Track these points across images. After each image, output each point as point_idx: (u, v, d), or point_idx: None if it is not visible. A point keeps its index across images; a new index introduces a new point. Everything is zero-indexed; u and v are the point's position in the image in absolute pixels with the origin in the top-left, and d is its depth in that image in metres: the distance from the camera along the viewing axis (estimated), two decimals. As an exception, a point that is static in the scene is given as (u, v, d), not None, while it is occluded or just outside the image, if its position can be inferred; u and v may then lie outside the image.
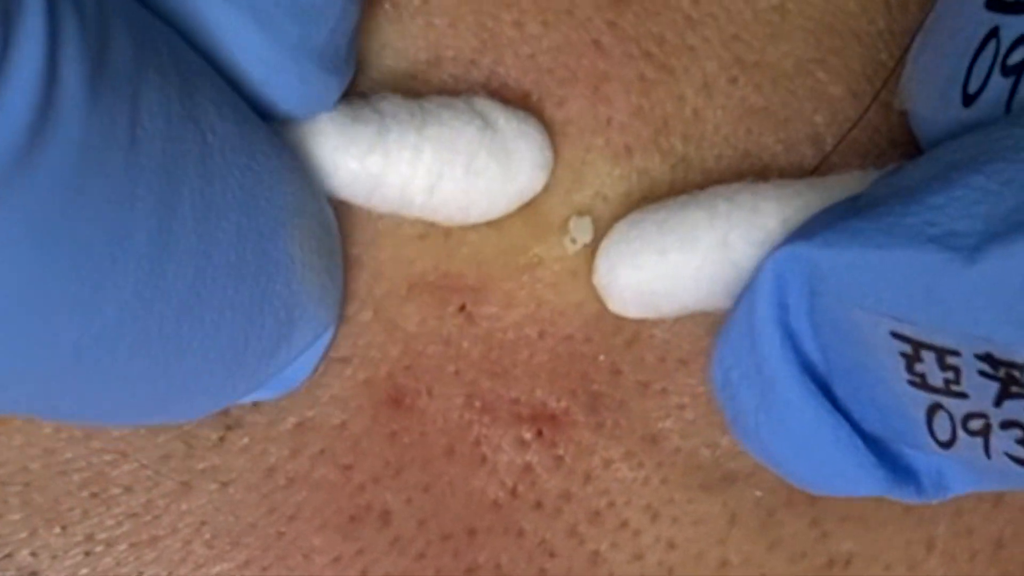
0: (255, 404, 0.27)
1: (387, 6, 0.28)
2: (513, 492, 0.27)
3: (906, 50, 0.27)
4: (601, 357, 0.28)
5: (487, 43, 0.28)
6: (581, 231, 0.28)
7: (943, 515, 0.28)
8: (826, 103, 0.28)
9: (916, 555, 0.28)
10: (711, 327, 0.28)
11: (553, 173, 0.27)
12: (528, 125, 0.26)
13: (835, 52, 0.29)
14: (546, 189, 0.27)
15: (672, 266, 0.26)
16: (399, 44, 0.28)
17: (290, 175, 0.24)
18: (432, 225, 0.27)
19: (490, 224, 0.27)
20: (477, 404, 0.27)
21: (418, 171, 0.25)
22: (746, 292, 0.24)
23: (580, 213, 0.28)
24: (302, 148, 0.25)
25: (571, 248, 0.28)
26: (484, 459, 0.27)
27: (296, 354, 0.25)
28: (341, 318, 0.27)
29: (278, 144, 0.24)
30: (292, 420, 0.27)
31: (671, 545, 0.27)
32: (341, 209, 0.27)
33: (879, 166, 0.27)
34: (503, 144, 0.26)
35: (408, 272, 0.27)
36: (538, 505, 0.27)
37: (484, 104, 0.26)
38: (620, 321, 0.28)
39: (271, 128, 0.24)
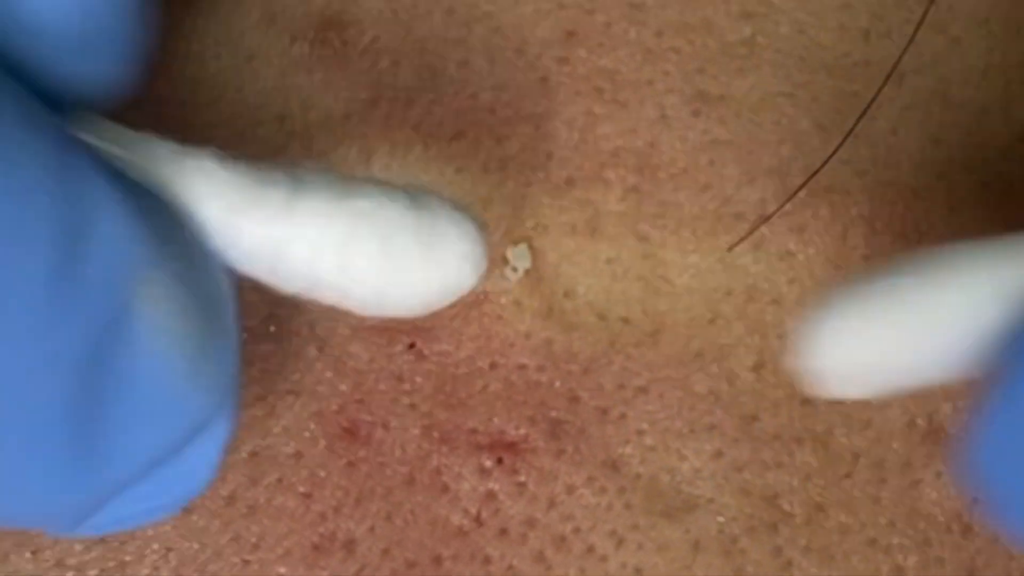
0: None
1: (336, 44, 0.28)
2: (477, 519, 0.27)
3: (888, 77, 0.27)
4: (557, 384, 0.27)
5: (427, 82, 0.28)
6: (519, 258, 0.27)
7: (911, 546, 0.27)
8: (792, 135, 0.28)
9: (885, 584, 0.26)
10: (671, 357, 0.27)
11: (492, 209, 0.27)
12: (462, 215, 0.23)
13: (804, 85, 0.28)
14: (484, 227, 0.26)
15: (903, 337, 0.23)
16: (341, 83, 0.28)
17: (137, 220, 0.20)
18: None
19: None
20: (435, 435, 0.27)
21: (328, 242, 0.22)
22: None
23: (516, 242, 0.27)
24: (194, 210, 0.22)
25: (512, 277, 0.27)
26: (446, 488, 0.27)
27: (167, 442, 0.21)
28: (289, 351, 0.27)
29: (120, 182, 0.20)
30: (246, 449, 0.27)
31: (638, 571, 0.27)
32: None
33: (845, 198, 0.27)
34: (430, 227, 0.23)
35: (348, 314, 0.26)
36: (503, 532, 0.27)
37: (417, 189, 0.24)
38: (574, 349, 0.27)
39: (113, 169, 0.21)
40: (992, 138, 0.28)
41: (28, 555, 0.27)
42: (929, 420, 0.27)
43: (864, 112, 0.27)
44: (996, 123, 0.28)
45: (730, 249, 0.27)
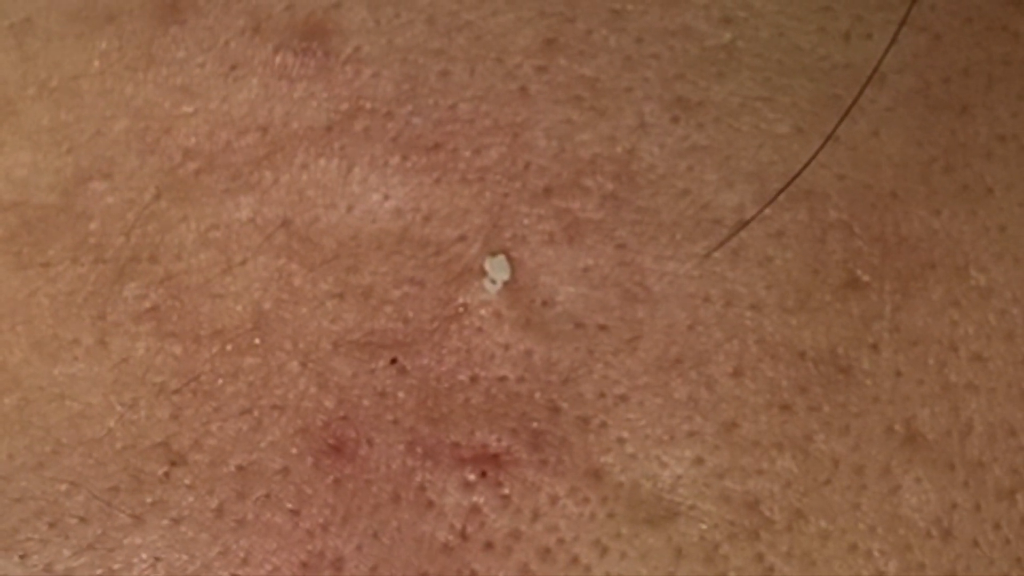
0: (195, 441, 0.24)
1: (319, 54, 0.24)
2: (462, 534, 0.24)
3: (869, 78, 0.24)
4: (537, 395, 0.24)
5: (407, 93, 0.24)
6: (497, 270, 0.24)
7: (891, 551, 0.24)
8: (771, 140, 0.24)
9: (867, 590, 0.25)
10: (649, 364, 0.24)
11: (470, 220, 0.24)
12: None
13: (783, 89, 0.24)
14: (464, 239, 0.24)
15: None
16: (323, 94, 0.25)
17: None
18: (349, 285, 0.24)
19: (412, 282, 0.24)
20: (418, 450, 0.24)
21: None
22: None
23: (494, 253, 0.24)
24: None
25: (491, 289, 0.24)
26: (431, 504, 0.24)
27: None
28: (273, 365, 0.24)
29: None
30: (234, 462, 0.24)
31: (621, 580, 0.24)
32: (252, 260, 0.24)
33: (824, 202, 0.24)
34: None
35: (331, 329, 0.24)
36: (489, 546, 0.24)
37: None
38: (553, 359, 0.24)
39: None
40: (974, 139, 0.25)
41: (16, 559, 0.24)
42: (907, 425, 0.24)
43: (845, 115, 0.24)
44: (978, 123, 0.25)
45: (708, 255, 0.23)
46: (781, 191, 0.24)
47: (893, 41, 0.24)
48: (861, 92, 0.24)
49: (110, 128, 0.25)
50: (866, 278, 0.24)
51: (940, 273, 0.24)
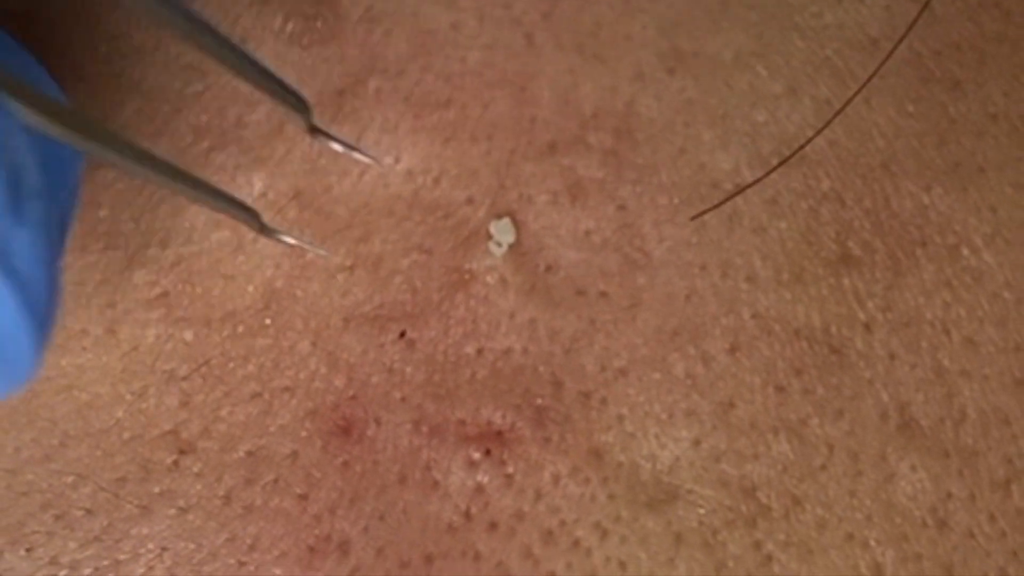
0: (205, 428, 0.23)
1: (330, 17, 0.23)
2: (467, 515, 0.22)
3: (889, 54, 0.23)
4: (541, 368, 0.23)
5: (419, 49, 0.23)
6: (503, 232, 0.23)
7: (887, 540, 0.22)
8: (765, 100, 0.23)
9: (864, 579, 0.22)
10: (648, 336, 0.23)
11: (479, 181, 0.23)
12: None
13: (775, 46, 0.23)
14: (472, 201, 0.23)
15: None
16: (335, 57, 0.23)
17: None
18: (360, 256, 0.23)
19: (421, 249, 0.23)
20: (424, 429, 0.22)
21: None
22: None
23: (500, 216, 0.23)
24: None
25: (497, 252, 0.23)
26: (436, 484, 0.22)
27: None
28: (284, 346, 0.23)
29: None
30: (243, 448, 0.22)
31: (622, 565, 0.22)
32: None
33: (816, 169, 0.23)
34: None
35: (342, 304, 0.23)
36: (492, 526, 0.22)
37: None
38: (556, 327, 0.23)
39: None
40: (965, 115, 0.23)
41: (23, 552, 0.23)
42: (901, 411, 0.23)
43: (855, 95, 0.23)
44: (970, 100, 0.24)
45: (694, 217, 0.23)
46: (781, 164, 0.22)
47: (923, 9, 0.23)
48: (875, 72, 0.22)
49: (119, 112, 0.23)
50: (858, 252, 0.23)
51: (931, 251, 0.23)
